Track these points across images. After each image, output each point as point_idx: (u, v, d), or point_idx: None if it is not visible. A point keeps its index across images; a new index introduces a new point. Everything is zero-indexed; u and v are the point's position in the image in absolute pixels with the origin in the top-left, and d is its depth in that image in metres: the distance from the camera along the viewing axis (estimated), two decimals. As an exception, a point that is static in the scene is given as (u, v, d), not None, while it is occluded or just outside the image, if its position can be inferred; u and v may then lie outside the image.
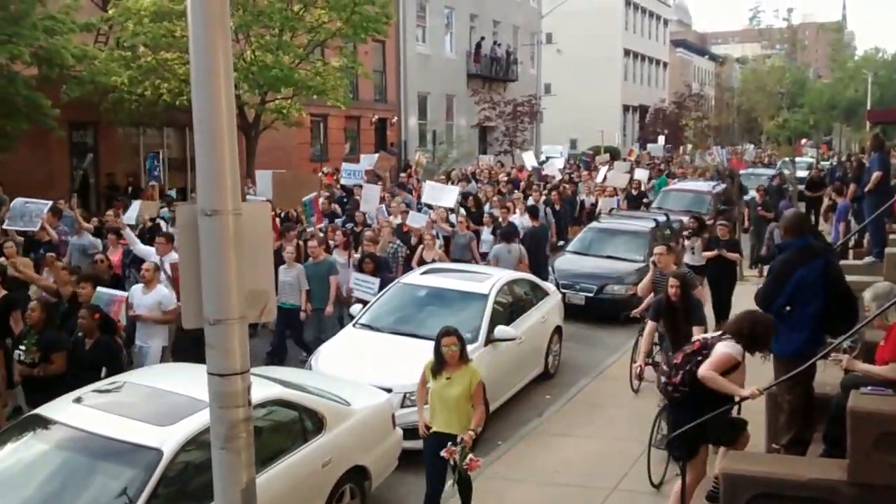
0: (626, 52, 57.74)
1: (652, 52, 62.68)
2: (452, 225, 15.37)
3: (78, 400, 6.31)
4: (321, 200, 15.78)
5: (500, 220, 15.81)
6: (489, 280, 10.69)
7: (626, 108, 57.60)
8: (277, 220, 14.45)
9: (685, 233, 14.21)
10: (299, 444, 6.59)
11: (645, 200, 22.64)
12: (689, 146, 41.62)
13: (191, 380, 6.47)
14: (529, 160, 27.71)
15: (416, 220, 14.93)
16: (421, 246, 13.37)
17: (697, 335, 7.27)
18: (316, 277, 11.37)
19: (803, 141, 44.32)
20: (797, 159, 35.25)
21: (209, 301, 3.68)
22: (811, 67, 78.17)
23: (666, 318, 8.49)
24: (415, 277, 11.13)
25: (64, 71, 17.40)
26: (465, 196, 18.50)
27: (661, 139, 47.60)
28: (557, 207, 19.44)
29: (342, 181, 20.40)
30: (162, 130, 23.89)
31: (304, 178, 17.29)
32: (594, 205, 20.99)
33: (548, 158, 31.88)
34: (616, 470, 8.16)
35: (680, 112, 52.60)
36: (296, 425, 6.70)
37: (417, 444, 8.31)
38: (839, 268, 7.15)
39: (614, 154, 38.40)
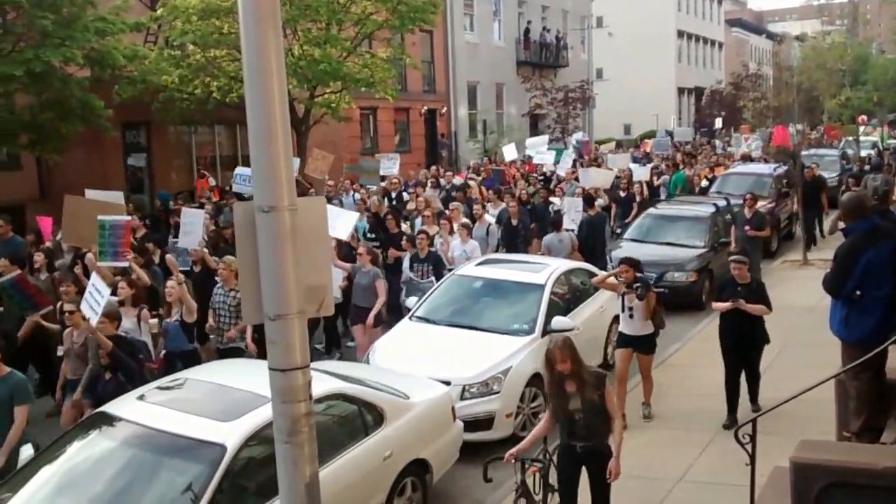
0: (680, 34, 56.69)
1: (706, 33, 61.47)
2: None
3: (141, 397, 6.43)
4: (204, 219, 12.85)
5: (439, 248, 12.39)
6: (546, 270, 10.57)
7: (681, 91, 56.62)
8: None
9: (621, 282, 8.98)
10: (360, 438, 6.61)
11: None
12: (731, 129, 40.57)
13: (252, 375, 6.54)
14: (510, 154, 24.13)
15: None
16: None
17: None
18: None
19: (862, 118, 43.03)
20: (861, 139, 34.11)
21: (268, 297, 3.70)
22: (874, 42, 75.83)
23: None
24: (470, 269, 11.06)
25: (116, 72, 17.69)
26: (396, 214, 14.31)
27: (719, 121, 46.67)
28: (514, 222, 14.09)
29: (234, 188, 17.08)
30: (213, 128, 24.25)
31: (110, 205, 11.63)
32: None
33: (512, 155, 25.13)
34: (681, 460, 8.01)
35: (737, 93, 51.51)
36: (356, 419, 6.72)
37: (478, 436, 8.31)
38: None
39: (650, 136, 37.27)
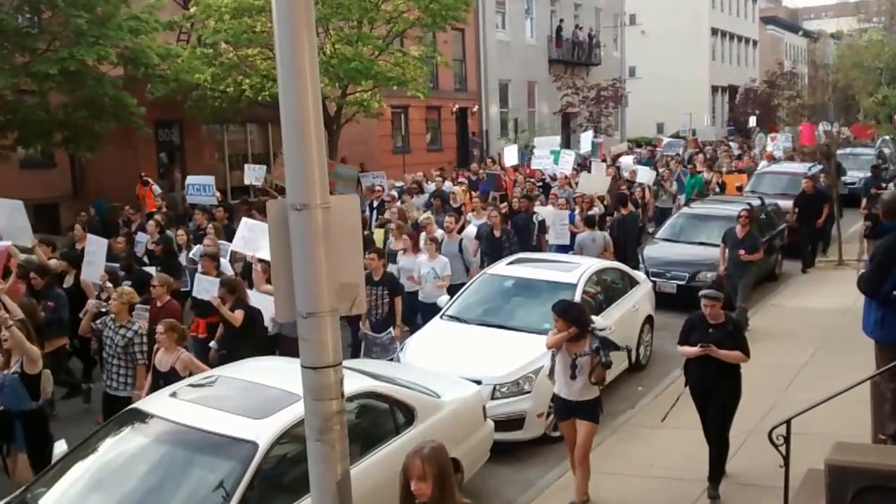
0: (714, 31, 56.08)
1: (741, 31, 60.78)
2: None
3: (174, 394, 6.49)
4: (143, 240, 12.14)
5: (401, 265, 11.26)
6: (577, 269, 10.53)
7: (714, 90, 56.04)
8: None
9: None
10: (391, 437, 6.61)
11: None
12: (758, 129, 39.99)
13: (283, 373, 6.58)
14: (511, 157, 22.62)
15: (204, 289, 9.38)
16: (155, 346, 7.81)
17: None
18: None
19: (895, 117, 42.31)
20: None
21: (301, 295, 3.71)
22: (912, 40, 74.41)
23: None
24: (501, 268, 11.03)
25: (149, 70, 17.89)
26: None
27: (753, 120, 46.13)
28: (498, 233, 12.99)
29: (188, 199, 16.56)
30: (245, 126, 24.46)
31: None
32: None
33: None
34: (714, 463, 7.90)
35: (772, 91, 50.87)
36: (387, 417, 6.72)
37: (509, 436, 8.29)
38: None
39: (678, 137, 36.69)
